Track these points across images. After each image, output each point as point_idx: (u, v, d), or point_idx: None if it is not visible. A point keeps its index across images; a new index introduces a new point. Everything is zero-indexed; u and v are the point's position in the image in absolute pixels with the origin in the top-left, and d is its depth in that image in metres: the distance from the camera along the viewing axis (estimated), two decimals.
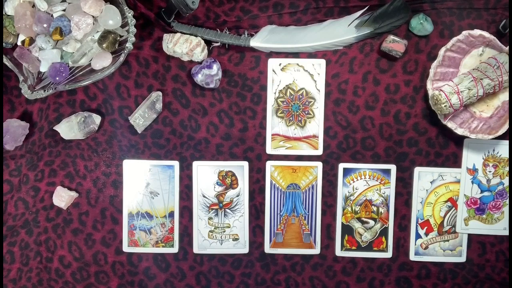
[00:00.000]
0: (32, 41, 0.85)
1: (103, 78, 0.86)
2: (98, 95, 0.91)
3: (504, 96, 0.86)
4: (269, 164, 0.92)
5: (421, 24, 0.86)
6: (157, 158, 0.92)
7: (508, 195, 0.91)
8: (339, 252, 0.93)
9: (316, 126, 0.91)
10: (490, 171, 0.91)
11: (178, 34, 0.88)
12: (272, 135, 0.91)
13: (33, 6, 0.85)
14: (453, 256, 0.92)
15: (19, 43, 0.86)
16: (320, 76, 0.90)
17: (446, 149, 0.91)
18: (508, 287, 0.93)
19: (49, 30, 0.84)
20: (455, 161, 0.91)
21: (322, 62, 0.90)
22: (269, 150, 0.92)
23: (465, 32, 0.85)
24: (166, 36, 0.88)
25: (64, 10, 0.85)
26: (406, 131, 0.91)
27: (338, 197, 0.92)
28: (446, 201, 0.92)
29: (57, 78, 0.84)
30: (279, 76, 0.90)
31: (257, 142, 0.92)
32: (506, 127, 0.84)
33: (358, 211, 0.92)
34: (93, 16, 0.84)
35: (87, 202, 0.93)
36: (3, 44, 0.86)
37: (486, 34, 0.84)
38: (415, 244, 0.93)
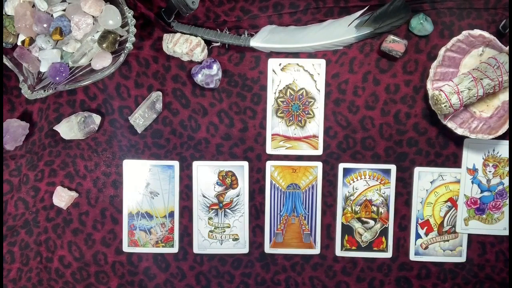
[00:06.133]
0: (32, 41, 0.85)
1: (103, 78, 0.86)
2: (98, 95, 0.91)
3: (504, 96, 0.86)
4: (269, 164, 0.92)
5: (421, 24, 0.86)
6: (157, 158, 0.92)
7: (508, 195, 0.91)
8: (339, 252, 0.93)
9: (316, 126, 0.91)
10: (490, 171, 0.91)
11: (178, 34, 0.88)
12: (272, 135, 0.91)
13: (33, 6, 0.85)
14: (453, 256, 0.92)
15: (19, 43, 0.86)
16: (320, 76, 0.90)
17: (446, 149, 0.91)
18: (508, 287, 0.93)
19: (49, 30, 0.84)
20: (455, 161, 0.91)
21: (322, 62, 0.90)
22: (269, 150, 0.92)
23: (465, 32, 0.85)
24: (166, 36, 0.88)
25: (64, 10, 0.85)
26: (406, 131, 0.91)
27: (338, 197, 0.92)
28: (446, 201, 0.92)
29: (57, 78, 0.84)
30: (279, 76, 0.90)
31: (257, 142, 0.92)
32: (506, 127, 0.84)
33: (358, 211, 0.92)
34: (93, 16, 0.84)
35: (87, 202, 0.93)
36: (3, 44, 0.86)
37: (486, 34, 0.84)
38: (415, 244, 0.93)
